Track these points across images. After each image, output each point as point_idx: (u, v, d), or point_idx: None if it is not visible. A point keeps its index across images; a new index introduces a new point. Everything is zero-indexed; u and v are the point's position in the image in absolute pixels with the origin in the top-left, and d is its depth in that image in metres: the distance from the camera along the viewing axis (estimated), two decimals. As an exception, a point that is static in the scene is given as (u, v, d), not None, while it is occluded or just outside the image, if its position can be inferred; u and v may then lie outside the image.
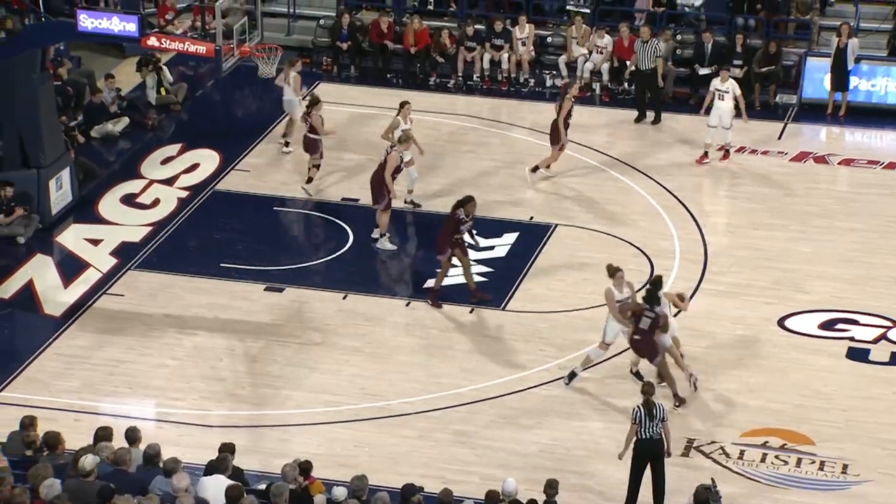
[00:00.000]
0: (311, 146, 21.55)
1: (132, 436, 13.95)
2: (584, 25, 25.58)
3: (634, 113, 24.43)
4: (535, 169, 22.08)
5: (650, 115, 24.27)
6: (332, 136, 21.98)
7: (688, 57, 25.38)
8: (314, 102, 21.55)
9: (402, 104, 21.28)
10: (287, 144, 22.97)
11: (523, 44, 25.61)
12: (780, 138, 23.94)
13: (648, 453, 14.75)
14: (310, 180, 21.69)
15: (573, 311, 18.77)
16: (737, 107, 22.48)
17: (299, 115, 22.42)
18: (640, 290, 17.35)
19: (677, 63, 25.43)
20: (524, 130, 24.22)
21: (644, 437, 14.68)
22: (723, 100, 22.50)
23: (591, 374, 17.32)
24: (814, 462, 15.94)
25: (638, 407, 14.72)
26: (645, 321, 16.50)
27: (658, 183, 22.33)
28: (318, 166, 21.76)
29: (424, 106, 24.80)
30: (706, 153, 22.80)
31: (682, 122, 24.52)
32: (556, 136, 21.76)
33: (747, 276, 19.72)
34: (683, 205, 21.66)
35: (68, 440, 14.21)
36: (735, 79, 23.47)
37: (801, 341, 18.27)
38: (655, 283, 16.99)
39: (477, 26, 26.03)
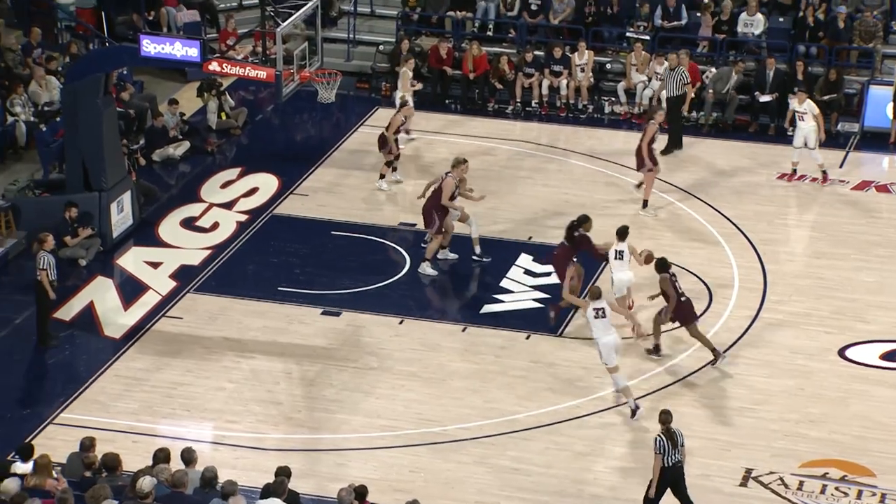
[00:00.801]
0: (381, 142, 22.41)
1: (188, 457, 14.02)
2: (643, 52, 25.53)
3: (693, 140, 24.32)
4: (644, 204, 22.00)
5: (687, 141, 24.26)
6: (393, 141, 22.37)
7: (749, 84, 25.27)
8: (402, 104, 22.84)
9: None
10: (407, 132, 23.83)
11: (582, 70, 25.60)
12: (841, 167, 23.74)
13: (671, 480, 14.72)
14: (382, 176, 22.52)
15: (630, 338, 18.66)
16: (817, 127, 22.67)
17: (411, 105, 23.39)
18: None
19: (738, 90, 25.31)
20: (582, 157, 24.18)
21: (668, 464, 14.62)
22: (803, 120, 22.61)
23: (648, 403, 17.19)
24: (874, 494, 15.71)
25: (660, 436, 14.64)
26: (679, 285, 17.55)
27: (717, 210, 22.19)
28: (388, 163, 22.45)
29: (482, 131, 24.88)
30: (794, 171, 22.90)
31: (742, 149, 24.39)
32: (641, 161, 21.71)
33: (808, 305, 19.53)
34: (742, 232, 21.50)
35: (126, 462, 14.32)
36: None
37: (863, 372, 18.06)
38: (662, 261, 17.75)
39: (536, 52, 26.06)
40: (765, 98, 24.80)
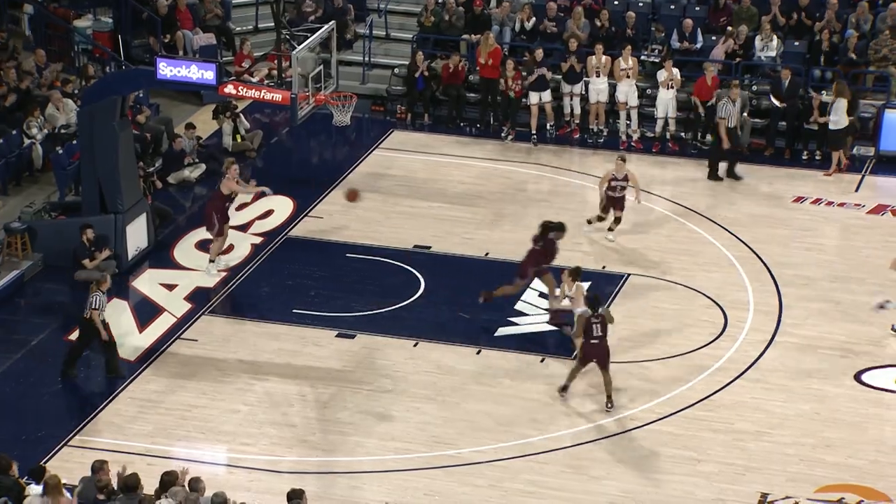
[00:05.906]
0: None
1: (194, 486, 14.01)
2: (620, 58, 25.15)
3: (704, 162, 24.34)
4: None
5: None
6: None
7: (766, 108, 25.22)
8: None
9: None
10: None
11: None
12: (857, 191, 23.70)
13: None
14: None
15: (645, 361, 18.63)
16: None
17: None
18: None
19: (753, 114, 25.28)
20: (597, 180, 24.14)
21: None
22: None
23: (664, 427, 17.15)
24: (891, 520, 15.66)
25: None
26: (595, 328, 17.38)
27: (732, 234, 22.16)
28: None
29: (497, 154, 24.87)
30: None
31: (758, 172, 24.35)
32: None
33: (823, 329, 19.47)
34: (758, 256, 21.46)
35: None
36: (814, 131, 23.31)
37: (879, 396, 17.99)
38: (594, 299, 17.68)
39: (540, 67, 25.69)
40: (778, 104, 24.64)
